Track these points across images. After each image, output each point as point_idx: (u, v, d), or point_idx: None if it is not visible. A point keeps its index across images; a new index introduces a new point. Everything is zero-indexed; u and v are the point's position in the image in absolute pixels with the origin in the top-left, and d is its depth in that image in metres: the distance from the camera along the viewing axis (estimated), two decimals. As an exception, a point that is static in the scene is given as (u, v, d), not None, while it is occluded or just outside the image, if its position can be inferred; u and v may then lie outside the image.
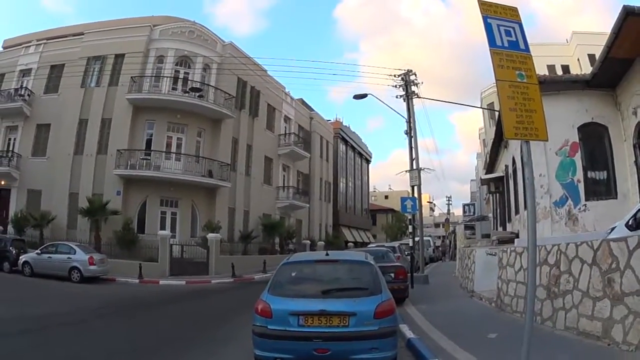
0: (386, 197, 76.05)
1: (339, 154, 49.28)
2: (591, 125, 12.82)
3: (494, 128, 21.79)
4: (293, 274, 6.01)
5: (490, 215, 29.83)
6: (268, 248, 30.68)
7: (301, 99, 42.82)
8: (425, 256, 24.66)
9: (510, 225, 19.17)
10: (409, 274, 15.04)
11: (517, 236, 15.41)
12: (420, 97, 23.08)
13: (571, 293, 7.07)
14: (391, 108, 72.42)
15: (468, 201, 50.53)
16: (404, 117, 22.77)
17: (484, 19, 4.81)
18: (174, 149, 26.58)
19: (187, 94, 26.50)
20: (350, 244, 44.20)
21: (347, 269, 6.18)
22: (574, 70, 25.78)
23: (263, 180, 33.85)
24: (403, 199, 20.95)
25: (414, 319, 9.49)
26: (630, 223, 7.19)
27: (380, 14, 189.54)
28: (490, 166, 25.35)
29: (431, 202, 75.05)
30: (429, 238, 38.12)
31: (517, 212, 17.24)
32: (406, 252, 21.35)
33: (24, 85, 27.19)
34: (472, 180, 57.66)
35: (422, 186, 22.21)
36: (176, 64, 27.51)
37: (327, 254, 6.39)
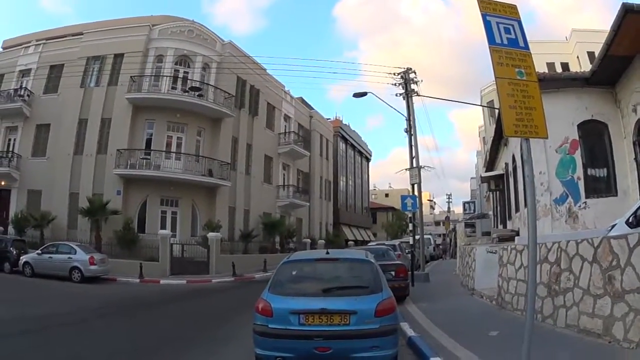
0: (386, 195, 76.08)
1: (339, 152, 49.30)
2: (591, 123, 12.81)
3: (494, 126, 21.77)
4: (294, 273, 6.02)
5: (491, 213, 29.84)
6: (268, 247, 30.70)
7: (301, 98, 42.83)
8: (425, 254, 24.67)
9: (511, 223, 19.17)
10: (410, 272, 15.04)
11: (518, 234, 15.40)
12: (420, 95, 23.07)
13: (572, 291, 7.07)
14: (391, 106, 72.63)
15: (468, 199, 50.50)
16: (403, 116, 22.76)
17: (483, 16, 4.79)
18: (174, 148, 26.59)
19: (186, 93, 26.50)
20: (350, 243, 44.21)
21: (347, 268, 6.18)
22: (574, 68, 25.76)
23: (263, 179, 33.87)
24: (403, 197, 20.94)
25: (415, 317, 9.49)
26: (630, 220, 7.19)
27: (380, 13, 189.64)
28: (490, 164, 25.34)
29: (431, 200, 75.05)
30: (429, 236, 38.14)
31: (517, 209, 17.24)
32: (407, 250, 21.33)
33: (24, 86, 27.19)
34: (472, 178, 57.61)
35: (422, 184, 22.21)
36: (175, 64, 27.50)
37: (327, 253, 6.39)
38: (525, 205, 13.15)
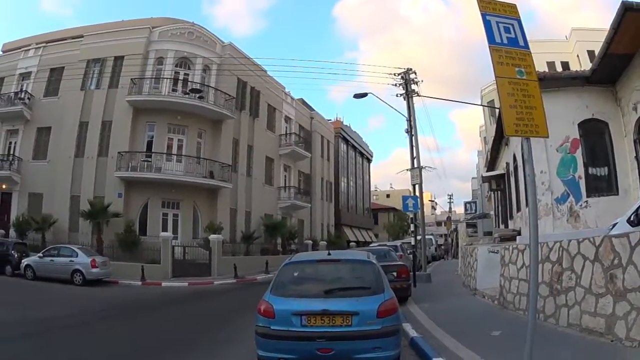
0: (388, 196, 76.07)
1: (340, 153, 49.32)
2: (591, 122, 12.81)
3: (495, 125, 21.76)
4: (295, 274, 6.01)
5: (492, 212, 29.82)
6: (270, 248, 30.70)
7: (301, 99, 42.82)
8: (427, 255, 24.65)
9: (512, 223, 19.16)
10: (411, 273, 15.01)
11: (519, 233, 15.37)
12: (420, 96, 23.04)
13: (573, 290, 7.05)
14: (391, 107, 72.59)
15: (469, 199, 50.42)
16: (404, 116, 22.75)
17: (483, 16, 4.80)
18: (174, 150, 26.61)
19: (187, 95, 26.54)
20: (352, 244, 44.21)
21: (349, 269, 6.17)
22: (574, 67, 25.75)
23: (264, 180, 33.88)
24: (404, 198, 20.91)
25: (417, 318, 9.48)
26: (631, 219, 7.18)
27: (380, 13, 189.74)
28: (491, 164, 25.32)
29: (433, 201, 74.85)
30: (430, 236, 38.12)
31: (518, 209, 17.24)
32: (408, 251, 21.32)
33: (24, 89, 27.27)
34: (473, 178, 57.53)
35: (423, 185, 22.17)
36: (176, 66, 27.52)
37: (329, 254, 6.39)
38: (527, 204, 13.17)
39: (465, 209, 45.16)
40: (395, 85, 23.10)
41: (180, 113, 26.30)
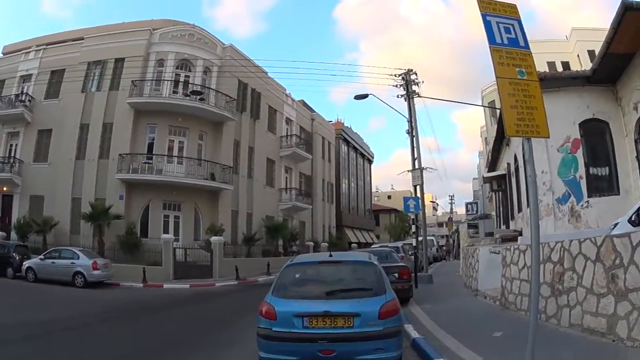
0: (389, 197, 76.10)
1: (341, 154, 49.32)
2: (592, 122, 12.79)
3: (496, 126, 21.74)
4: (297, 276, 6.00)
5: (493, 213, 29.78)
6: (271, 250, 30.70)
7: (302, 101, 42.85)
8: (429, 256, 24.62)
9: (514, 223, 19.13)
10: (413, 274, 15.02)
11: (521, 234, 15.36)
12: (421, 97, 23.00)
13: (575, 290, 7.04)
14: (392, 108, 72.34)
15: (471, 200, 50.41)
16: (405, 117, 22.71)
17: (483, 16, 4.79)
18: (175, 152, 26.62)
19: (188, 97, 26.55)
20: (354, 245, 44.18)
21: (350, 270, 6.17)
22: (574, 67, 25.76)
23: (265, 182, 33.89)
24: (406, 199, 20.88)
25: (419, 319, 9.47)
26: (633, 219, 7.18)
27: (380, 13, 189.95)
28: (492, 164, 25.29)
29: (434, 202, 74.91)
30: (432, 237, 38.08)
31: (519, 209, 17.21)
32: (410, 252, 21.32)
33: (25, 91, 27.30)
34: (474, 178, 57.46)
35: (424, 186, 22.16)
36: (176, 67, 27.54)
37: (330, 255, 6.38)
38: (528, 205, 13.15)
39: (467, 210, 45.21)
40: (396, 86, 23.08)
41: (181, 115, 26.32)
